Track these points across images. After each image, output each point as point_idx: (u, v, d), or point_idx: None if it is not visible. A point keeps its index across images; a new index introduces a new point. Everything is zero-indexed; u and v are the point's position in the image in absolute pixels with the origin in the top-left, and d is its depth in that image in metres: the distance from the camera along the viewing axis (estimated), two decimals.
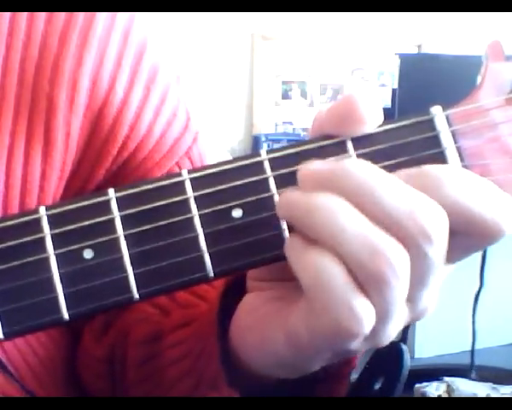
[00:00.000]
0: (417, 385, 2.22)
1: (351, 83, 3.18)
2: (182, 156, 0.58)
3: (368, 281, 0.37)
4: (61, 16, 0.55)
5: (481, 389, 2.18)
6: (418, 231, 0.36)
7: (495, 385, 2.22)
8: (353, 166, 0.38)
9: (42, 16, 0.55)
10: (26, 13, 0.54)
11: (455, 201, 0.37)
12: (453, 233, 0.38)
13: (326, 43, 3.13)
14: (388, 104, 2.90)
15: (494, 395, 2.16)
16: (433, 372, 2.28)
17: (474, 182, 0.38)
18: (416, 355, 2.53)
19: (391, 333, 0.39)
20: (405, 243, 0.37)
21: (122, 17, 0.57)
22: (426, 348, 2.54)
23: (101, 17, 0.56)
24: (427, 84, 2.35)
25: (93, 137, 0.56)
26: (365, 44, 3.16)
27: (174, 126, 0.58)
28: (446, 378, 2.22)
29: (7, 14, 0.54)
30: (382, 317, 0.38)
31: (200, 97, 2.90)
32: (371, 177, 0.37)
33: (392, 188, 0.37)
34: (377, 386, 0.45)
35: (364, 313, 0.37)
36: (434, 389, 2.19)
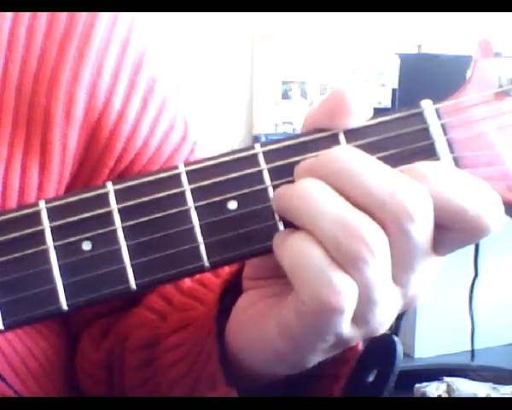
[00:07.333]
0: (417, 385, 2.21)
1: (351, 83, 3.19)
2: None
3: (345, 260, 0.37)
4: (60, 29, 0.55)
5: (481, 389, 2.18)
6: (399, 210, 0.37)
7: (495, 385, 2.21)
8: (338, 152, 0.39)
9: (41, 29, 0.55)
10: (25, 26, 0.54)
11: (440, 194, 0.38)
12: (440, 227, 0.38)
13: (326, 43, 3.13)
14: (388, 104, 2.91)
15: (494, 395, 2.16)
16: (433, 372, 2.28)
17: (461, 178, 0.38)
18: (416, 355, 2.52)
19: (382, 319, 0.39)
20: (387, 222, 0.37)
21: (121, 27, 0.57)
22: (426, 348, 2.53)
23: (100, 28, 0.56)
24: (427, 84, 2.35)
25: (90, 149, 0.56)
26: (365, 44, 3.17)
27: (171, 138, 0.58)
28: (446, 378, 2.22)
29: (6, 27, 0.54)
30: (367, 297, 0.38)
31: (201, 98, 2.90)
32: (354, 161, 0.38)
33: (375, 170, 0.38)
34: (370, 379, 0.45)
35: (343, 285, 0.37)
36: (434, 389, 2.19)
